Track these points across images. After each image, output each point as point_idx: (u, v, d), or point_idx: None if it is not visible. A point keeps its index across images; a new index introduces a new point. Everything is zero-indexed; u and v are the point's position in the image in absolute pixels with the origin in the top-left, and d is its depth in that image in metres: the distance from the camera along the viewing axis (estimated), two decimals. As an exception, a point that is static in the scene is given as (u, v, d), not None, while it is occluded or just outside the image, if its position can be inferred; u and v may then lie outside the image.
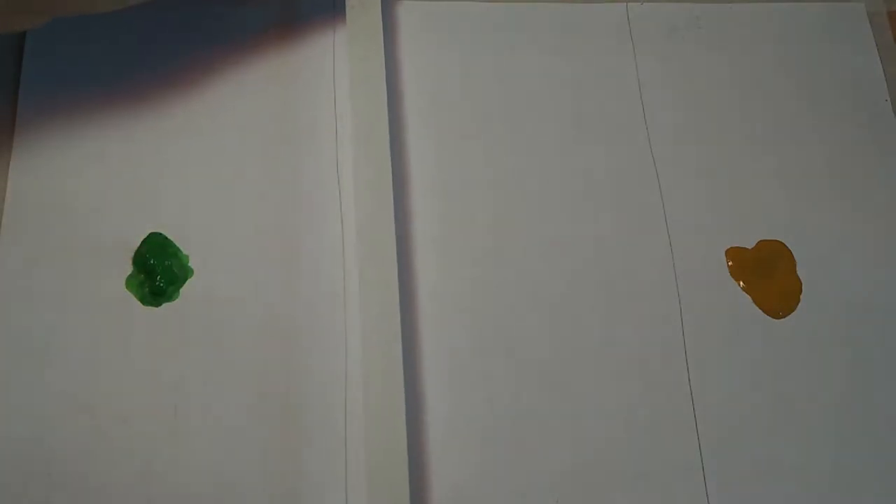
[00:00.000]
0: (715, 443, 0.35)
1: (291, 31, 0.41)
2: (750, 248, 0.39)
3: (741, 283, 0.38)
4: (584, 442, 0.35)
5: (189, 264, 0.36)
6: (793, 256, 0.39)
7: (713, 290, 0.38)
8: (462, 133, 0.40)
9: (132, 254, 0.36)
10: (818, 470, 0.35)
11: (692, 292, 0.38)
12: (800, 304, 0.38)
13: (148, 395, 0.34)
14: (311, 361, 0.35)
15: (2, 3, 0.31)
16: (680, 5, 0.44)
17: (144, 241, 0.36)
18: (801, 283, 0.38)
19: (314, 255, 0.37)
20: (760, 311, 0.38)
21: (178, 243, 0.37)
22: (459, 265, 0.38)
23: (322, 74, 0.40)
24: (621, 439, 0.35)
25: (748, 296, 0.38)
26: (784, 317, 0.38)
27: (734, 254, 0.39)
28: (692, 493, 0.35)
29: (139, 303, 0.36)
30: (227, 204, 0.38)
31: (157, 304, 0.36)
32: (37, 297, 0.35)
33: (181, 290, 0.36)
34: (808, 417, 0.36)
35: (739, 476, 0.35)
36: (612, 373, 0.36)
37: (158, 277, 0.36)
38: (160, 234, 0.37)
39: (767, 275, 0.38)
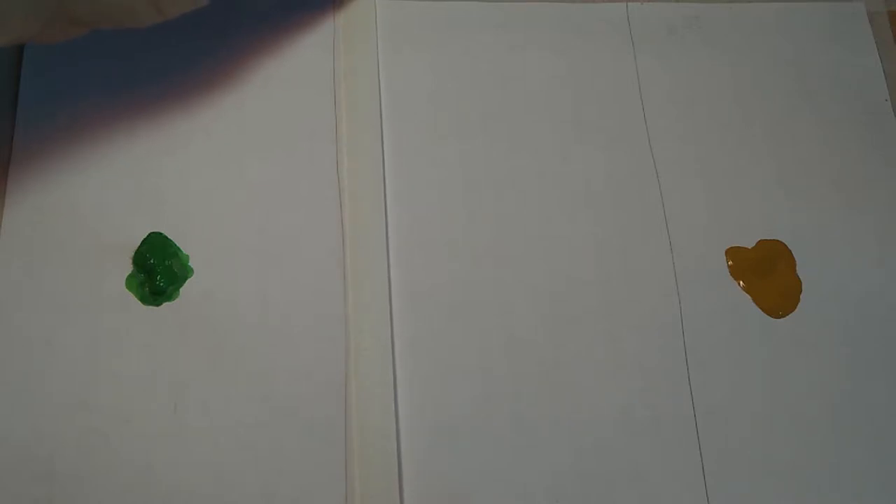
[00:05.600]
0: (715, 442, 0.35)
1: (292, 32, 0.41)
2: (750, 247, 0.39)
3: (741, 282, 0.38)
4: (584, 442, 0.35)
5: (189, 264, 0.36)
6: (793, 256, 0.39)
7: (713, 289, 0.38)
8: (462, 133, 0.40)
9: (132, 253, 0.36)
10: (818, 469, 0.35)
11: (692, 292, 0.38)
12: (800, 304, 0.38)
13: (147, 395, 0.34)
14: (311, 361, 0.35)
15: (46, 16, 0.31)
16: (680, 5, 0.44)
17: (144, 241, 0.36)
18: (800, 283, 0.38)
19: (314, 255, 0.37)
20: (760, 310, 0.38)
21: (178, 243, 0.37)
22: (459, 265, 0.38)
23: (322, 74, 0.40)
24: (621, 439, 0.35)
25: (748, 295, 0.38)
26: (784, 316, 0.38)
27: (734, 254, 0.39)
28: (692, 493, 0.35)
29: (139, 302, 0.36)
30: (227, 204, 0.38)
31: (157, 304, 0.36)
32: (37, 297, 0.35)
33: (181, 290, 0.36)
34: (807, 417, 0.36)
35: (739, 476, 0.35)
36: (612, 373, 0.36)
37: (158, 277, 0.36)
38: (160, 233, 0.37)
39: (767, 274, 0.38)
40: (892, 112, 0.42)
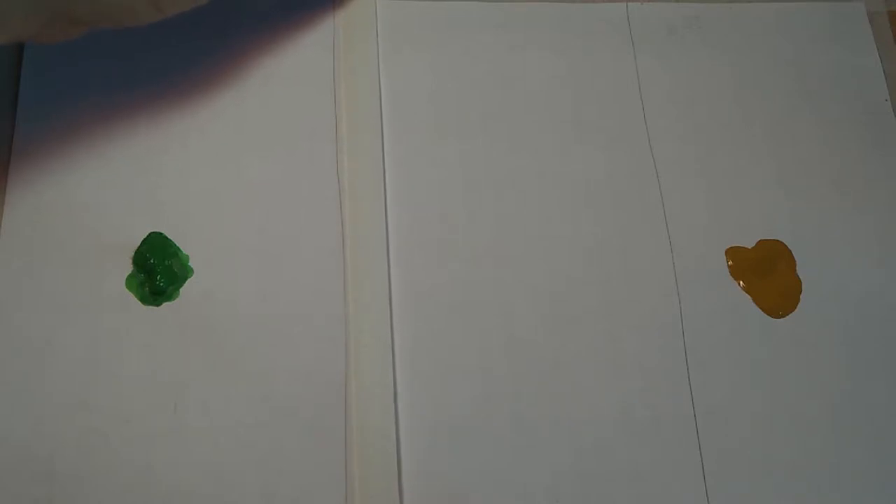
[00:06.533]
0: (715, 442, 0.35)
1: (292, 32, 0.41)
2: (750, 247, 0.39)
3: (741, 282, 0.38)
4: (584, 442, 0.35)
5: (189, 264, 0.36)
6: (793, 256, 0.39)
7: (713, 289, 0.38)
8: (462, 133, 0.40)
9: (132, 253, 0.36)
10: (818, 469, 0.35)
11: (692, 292, 0.38)
12: (800, 304, 0.38)
13: (147, 395, 0.34)
14: (311, 361, 0.35)
15: (46, 15, 0.31)
16: (680, 5, 0.44)
17: (144, 241, 0.36)
18: (800, 283, 0.38)
19: (314, 255, 0.37)
20: (760, 310, 0.38)
21: (178, 243, 0.37)
22: (459, 265, 0.38)
23: (322, 74, 0.40)
24: (621, 439, 0.35)
25: (748, 295, 0.38)
26: (784, 316, 0.38)
27: (734, 254, 0.39)
28: (692, 492, 0.35)
29: (139, 302, 0.36)
30: (227, 204, 0.38)
31: (157, 304, 0.36)
32: (37, 297, 0.35)
33: (181, 290, 0.36)
34: (807, 417, 0.36)
35: (739, 476, 0.35)
36: (612, 373, 0.36)
37: (158, 277, 0.36)
38: (160, 233, 0.37)
39: (767, 274, 0.38)
40: (892, 112, 0.42)
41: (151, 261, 0.36)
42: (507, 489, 0.34)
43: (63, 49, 0.39)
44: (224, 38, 0.41)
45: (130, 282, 0.36)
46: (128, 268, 0.36)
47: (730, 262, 0.39)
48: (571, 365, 0.36)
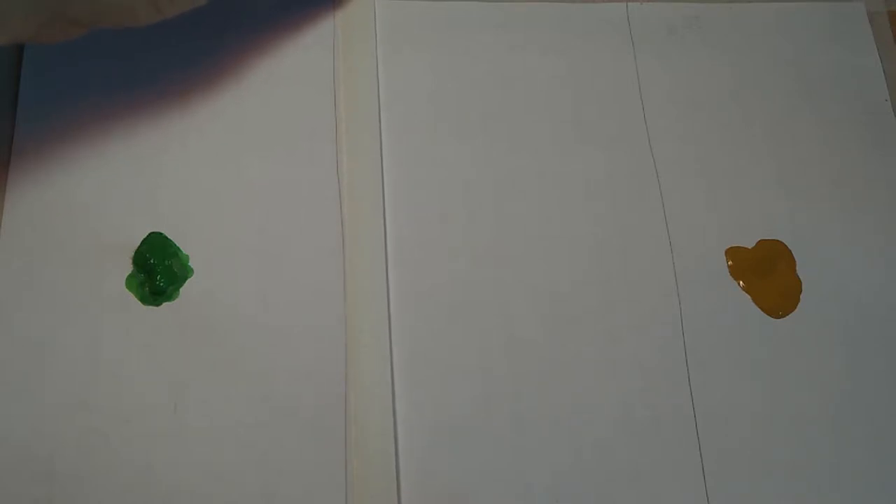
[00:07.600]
0: (715, 442, 0.35)
1: (292, 32, 0.41)
2: (750, 247, 0.39)
3: (741, 282, 0.38)
4: (583, 442, 0.35)
5: (189, 264, 0.36)
6: (793, 256, 0.39)
7: (713, 289, 0.38)
8: (462, 133, 0.40)
9: (132, 253, 0.36)
10: (818, 469, 0.35)
11: (692, 292, 0.38)
12: (800, 304, 0.38)
13: (147, 395, 0.34)
14: (311, 361, 0.35)
15: (46, 15, 0.31)
16: (680, 5, 0.44)
17: (144, 241, 0.36)
18: (800, 283, 0.38)
19: (314, 256, 0.37)
20: (760, 310, 0.38)
21: (178, 243, 0.37)
22: (459, 265, 0.38)
23: (322, 74, 0.40)
24: (621, 439, 0.35)
25: (748, 295, 0.38)
26: (784, 316, 0.38)
27: (734, 253, 0.39)
28: (692, 492, 0.35)
29: (139, 302, 0.36)
30: (227, 204, 0.38)
31: (157, 304, 0.36)
32: (37, 297, 0.35)
33: (181, 290, 0.36)
34: (807, 417, 0.36)
35: (739, 476, 0.35)
36: (611, 372, 0.36)
37: (158, 277, 0.36)
38: (160, 233, 0.37)
39: (767, 274, 0.38)
40: (892, 112, 0.42)
41: (151, 261, 0.36)
42: (507, 489, 0.34)
43: (63, 49, 0.39)
44: (224, 38, 0.41)
45: (130, 282, 0.36)
46: (128, 268, 0.36)
47: (730, 262, 0.39)
48: (571, 365, 0.36)
